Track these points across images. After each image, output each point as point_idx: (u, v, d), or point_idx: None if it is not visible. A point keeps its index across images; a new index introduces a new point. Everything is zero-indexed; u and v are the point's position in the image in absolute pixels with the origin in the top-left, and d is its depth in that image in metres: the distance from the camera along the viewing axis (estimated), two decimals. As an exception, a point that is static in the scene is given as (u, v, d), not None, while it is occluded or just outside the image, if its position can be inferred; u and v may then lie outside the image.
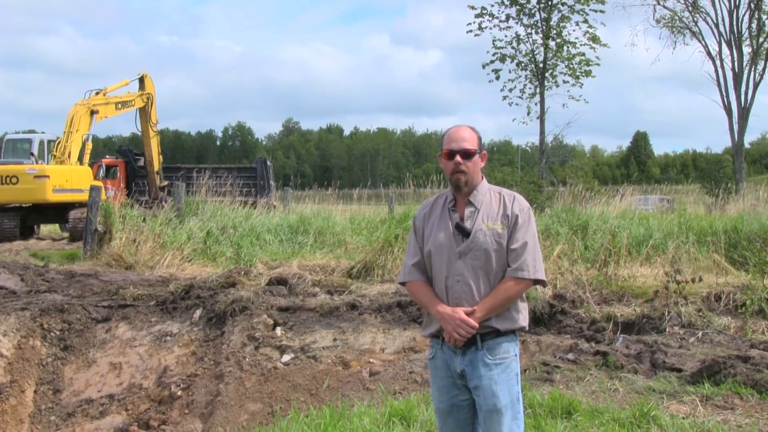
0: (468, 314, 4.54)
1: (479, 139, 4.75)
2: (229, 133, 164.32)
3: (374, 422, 6.90)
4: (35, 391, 9.92)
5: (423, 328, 4.92)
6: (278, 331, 10.00)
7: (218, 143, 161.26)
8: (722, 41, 49.12)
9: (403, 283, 4.93)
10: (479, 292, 4.58)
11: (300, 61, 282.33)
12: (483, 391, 4.57)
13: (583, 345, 9.06)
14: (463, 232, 4.63)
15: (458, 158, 4.65)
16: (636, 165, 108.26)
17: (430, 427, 6.86)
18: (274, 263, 16.77)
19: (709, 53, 49.78)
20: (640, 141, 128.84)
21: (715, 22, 49.21)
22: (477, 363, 4.59)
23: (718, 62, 49.19)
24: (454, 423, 4.77)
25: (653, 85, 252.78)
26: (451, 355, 4.67)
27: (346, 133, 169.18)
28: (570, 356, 8.70)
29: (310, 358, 9.34)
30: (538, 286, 9.57)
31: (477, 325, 4.52)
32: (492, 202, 4.68)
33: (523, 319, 4.69)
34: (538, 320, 10.16)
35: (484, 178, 4.80)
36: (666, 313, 10.15)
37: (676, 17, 50.70)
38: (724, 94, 48.69)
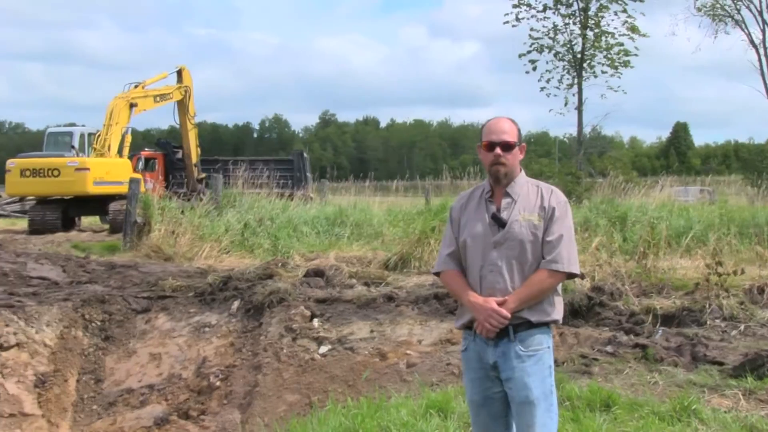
0: (500, 304, 4.52)
1: (519, 131, 4.74)
2: (266, 125, 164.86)
3: (411, 414, 6.91)
4: (78, 381, 10.03)
5: (456, 320, 4.93)
6: (315, 322, 10.04)
7: (255, 135, 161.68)
8: (766, 29, 48.53)
9: (437, 273, 4.94)
10: (513, 282, 4.57)
11: (336, 53, 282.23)
12: (515, 383, 4.56)
13: (621, 337, 9.00)
14: (499, 222, 4.61)
15: (498, 150, 4.64)
16: (676, 156, 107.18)
17: (467, 419, 6.84)
18: (311, 255, 16.82)
19: (752, 41, 49.17)
20: (680, 131, 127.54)
21: (759, 9, 48.60)
22: (509, 354, 4.57)
23: (761, 50, 48.60)
24: (487, 415, 4.76)
25: (694, 75, 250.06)
26: (483, 347, 4.65)
27: (383, 124, 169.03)
28: (609, 349, 8.65)
29: (348, 349, 9.36)
30: (576, 279, 9.53)
31: (509, 315, 4.50)
32: (529, 194, 4.67)
33: (557, 312, 4.67)
34: (576, 312, 10.11)
35: (522, 170, 4.79)
36: (707, 306, 10.06)
37: (718, 5, 50.07)
38: (767, 82, 48.09)
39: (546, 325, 4.64)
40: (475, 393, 4.78)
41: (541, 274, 4.54)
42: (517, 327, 4.56)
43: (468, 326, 4.73)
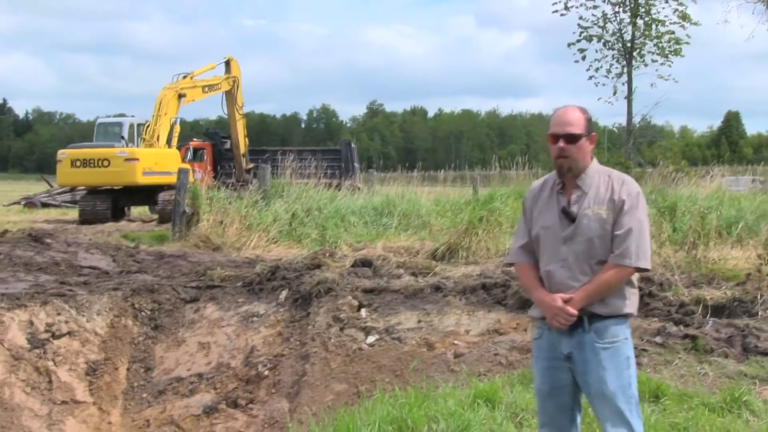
0: (567, 301, 4.47)
1: (587, 120, 4.62)
2: (314, 115, 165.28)
3: (459, 403, 6.89)
4: (128, 369, 10.13)
5: (531, 309, 4.88)
6: (363, 312, 10.05)
7: (303, 126, 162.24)
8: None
9: (510, 264, 4.89)
10: (582, 278, 4.50)
11: (384, 43, 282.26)
12: (591, 376, 4.51)
13: (671, 328, 8.91)
14: (568, 217, 4.55)
15: (561, 143, 4.55)
16: (727, 145, 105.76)
17: (515, 410, 6.83)
18: (359, 245, 16.85)
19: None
20: (732, 120, 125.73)
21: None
22: (585, 346, 4.52)
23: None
24: (553, 406, 4.71)
25: (746, 63, 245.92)
26: (558, 337, 4.59)
27: (430, 114, 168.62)
28: (658, 339, 8.57)
29: (395, 339, 9.36)
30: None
31: (575, 312, 4.45)
32: (600, 186, 4.57)
33: (630, 305, 4.58)
34: (624, 303, 10.02)
35: (594, 160, 4.68)
36: (758, 297, 9.92)
37: (772, -9, 49.28)
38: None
39: (621, 316, 4.56)
40: (544, 383, 4.73)
41: (608, 270, 4.47)
42: (592, 318, 4.51)
43: (543, 317, 4.67)
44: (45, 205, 35.28)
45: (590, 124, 4.64)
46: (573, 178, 4.61)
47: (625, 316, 4.58)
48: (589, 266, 4.51)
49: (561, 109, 4.68)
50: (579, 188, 4.59)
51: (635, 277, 4.63)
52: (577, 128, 4.56)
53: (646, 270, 4.59)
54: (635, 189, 4.57)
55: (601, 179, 4.60)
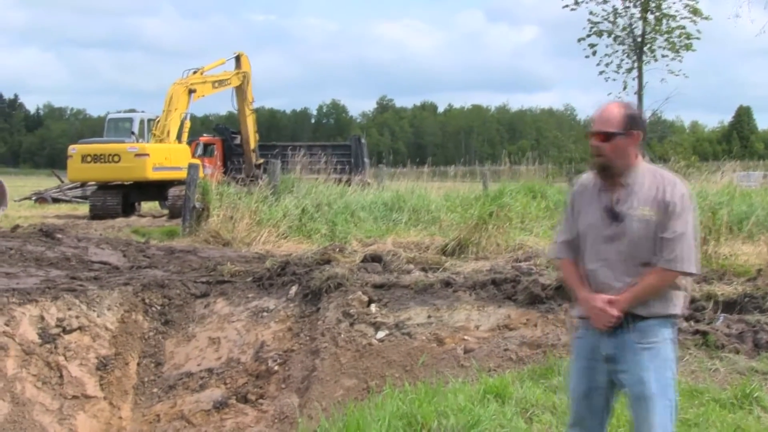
0: (612, 302, 4.42)
1: (628, 117, 4.51)
2: (324, 110, 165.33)
3: (469, 399, 6.90)
4: (138, 364, 10.16)
5: (572, 308, 4.86)
6: (373, 307, 10.05)
7: (313, 121, 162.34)
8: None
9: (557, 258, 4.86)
10: (624, 278, 4.45)
11: (394, 39, 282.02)
12: (631, 377, 4.47)
13: (682, 324, 8.88)
14: (612, 216, 4.49)
15: (595, 141, 4.50)
16: (738, 140, 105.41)
17: (525, 405, 6.83)
18: (369, 240, 16.85)
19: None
20: (743, 116, 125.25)
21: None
22: (626, 347, 4.47)
23: (829, 33, 47.50)
24: (586, 407, 4.68)
25: (758, 58, 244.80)
26: (599, 338, 4.55)
27: (440, 110, 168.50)
28: (668, 335, 8.55)
29: (405, 334, 9.36)
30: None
31: (619, 314, 4.41)
32: (647, 186, 4.48)
33: (675, 306, 4.52)
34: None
35: (641, 158, 4.59)
36: (769, 292, 9.90)
37: (784, -14, 49.00)
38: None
39: (665, 316, 4.50)
40: (581, 383, 4.69)
41: (655, 274, 4.40)
42: (634, 318, 4.45)
43: (586, 317, 4.63)
44: (56, 200, 35.36)
45: (632, 121, 4.52)
46: (613, 176, 4.53)
47: (669, 317, 4.53)
48: (632, 267, 4.45)
49: (603, 105, 4.63)
50: (624, 187, 4.51)
51: (687, 281, 4.57)
52: (612, 126, 4.48)
53: (694, 275, 4.53)
54: (685, 191, 4.48)
55: (649, 179, 4.51)
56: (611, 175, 4.53)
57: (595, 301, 4.48)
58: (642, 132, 4.59)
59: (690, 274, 4.48)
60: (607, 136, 4.49)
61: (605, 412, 4.69)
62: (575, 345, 4.79)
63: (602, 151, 4.50)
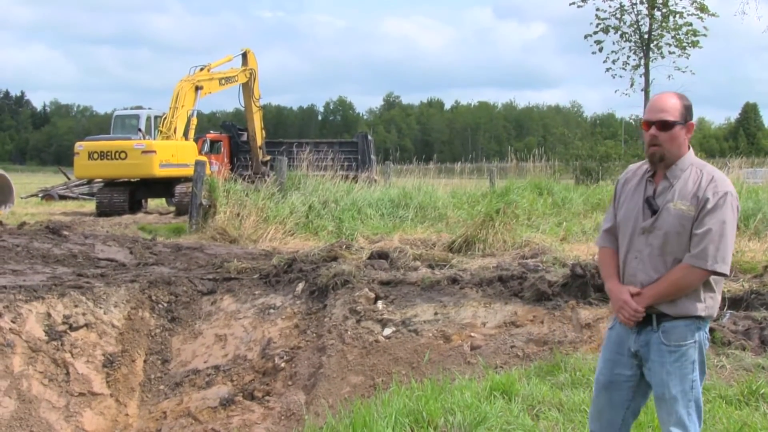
0: (636, 295, 4.38)
1: (685, 108, 4.44)
2: (331, 107, 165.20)
3: (475, 396, 6.88)
4: (145, 361, 10.17)
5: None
6: (379, 304, 10.05)
7: (320, 118, 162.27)
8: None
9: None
10: (656, 272, 4.39)
11: (402, 35, 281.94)
12: (654, 377, 4.44)
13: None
14: (651, 208, 4.42)
15: (653, 130, 4.41)
16: (745, 137, 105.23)
17: (531, 402, 6.82)
18: (376, 237, 16.85)
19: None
20: (750, 112, 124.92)
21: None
22: (651, 346, 4.43)
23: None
24: (606, 400, 4.64)
25: (765, 55, 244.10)
26: (627, 332, 4.51)
27: (447, 107, 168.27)
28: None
29: (411, 331, 9.36)
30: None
31: (641, 309, 4.36)
32: (689, 180, 4.40)
33: (706, 308, 4.41)
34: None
35: (691, 151, 4.51)
36: (776, 289, 9.87)
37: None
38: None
39: (692, 318, 4.41)
40: (603, 374, 4.66)
41: (681, 269, 4.32)
42: (661, 317, 4.40)
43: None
44: (62, 197, 35.39)
45: (688, 112, 4.46)
46: (665, 167, 4.46)
47: (697, 318, 4.43)
48: (663, 262, 4.39)
49: (658, 94, 4.57)
50: (667, 179, 4.44)
51: (720, 282, 4.48)
52: (672, 115, 4.41)
53: (724, 275, 4.39)
54: (724, 188, 4.35)
55: (692, 173, 4.43)
56: (665, 165, 4.46)
57: (620, 293, 4.44)
58: (693, 124, 4.52)
59: (718, 274, 4.35)
60: (665, 125, 4.41)
61: (627, 410, 4.63)
62: (606, 335, 4.74)
63: (660, 140, 4.42)
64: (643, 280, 4.42)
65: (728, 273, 4.40)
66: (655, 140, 4.41)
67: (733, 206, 4.36)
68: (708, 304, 4.43)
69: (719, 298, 4.50)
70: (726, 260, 4.31)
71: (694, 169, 4.45)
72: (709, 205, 4.30)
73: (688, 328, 4.40)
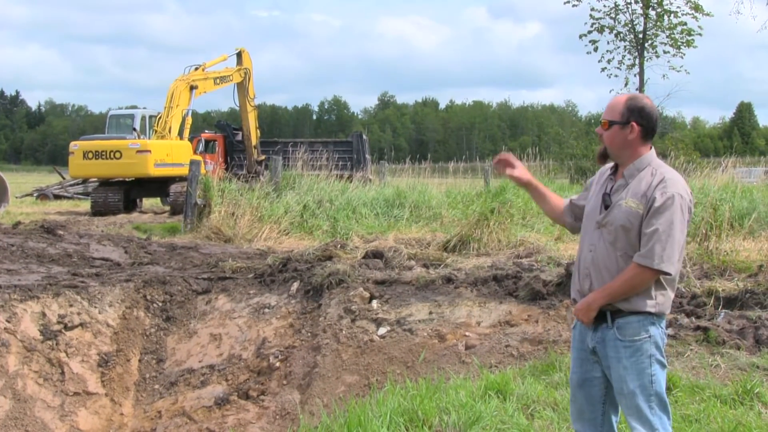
0: (588, 293, 4.55)
1: (629, 109, 4.54)
2: (325, 107, 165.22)
3: (470, 395, 6.90)
4: (140, 360, 10.17)
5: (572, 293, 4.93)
6: (374, 304, 10.06)
7: (314, 117, 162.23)
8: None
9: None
10: (605, 266, 4.51)
11: (398, 35, 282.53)
12: (612, 373, 4.52)
13: (683, 320, 8.89)
14: (605, 203, 4.57)
15: (599, 128, 4.64)
16: (739, 136, 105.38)
17: (526, 401, 6.84)
18: (370, 237, 16.85)
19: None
20: (744, 112, 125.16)
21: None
22: (607, 342, 4.52)
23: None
24: (583, 398, 4.72)
25: (759, 54, 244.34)
26: (585, 329, 4.63)
27: (442, 106, 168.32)
28: (669, 331, 8.54)
29: (406, 331, 9.37)
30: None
31: (593, 310, 4.52)
32: (643, 180, 4.50)
33: (655, 305, 4.48)
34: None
35: (650, 152, 4.60)
36: (770, 289, 9.89)
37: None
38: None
39: (645, 313, 4.49)
40: (575, 373, 4.76)
41: (632, 269, 4.41)
42: (615, 313, 4.49)
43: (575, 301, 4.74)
44: (57, 196, 35.36)
45: (633, 114, 4.54)
46: (616, 166, 4.65)
47: (649, 314, 4.50)
48: (614, 258, 4.50)
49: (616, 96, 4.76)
50: (624, 178, 4.58)
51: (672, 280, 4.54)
52: (610, 114, 4.58)
53: (668, 274, 4.44)
54: (673, 190, 4.42)
55: (647, 173, 4.53)
56: (617, 163, 4.64)
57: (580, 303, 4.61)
58: (644, 125, 4.56)
59: (664, 273, 4.42)
60: (605, 124, 4.60)
61: (606, 405, 4.69)
62: (572, 334, 4.85)
63: (603, 137, 4.62)
64: (594, 271, 4.57)
65: (673, 273, 4.45)
66: (599, 136, 4.64)
67: (682, 208, 4.43)
68: (659, 301, 4.50)
69: (672, 295, 4.57)
70: (672, 260, 4.39)
71: (650, 169, 4.55)
72: (656, 205, 4.40)
73: (641, 324, 4.49)
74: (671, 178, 4.48)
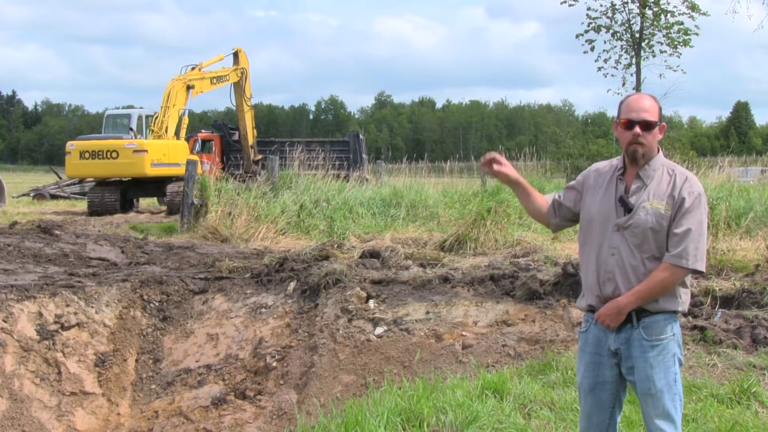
0: (617, 298, 4.48)
1: (660, 109, 4.58)
2: (322, 106, 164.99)
3: (467, 395, 6.90)
4: (136, 360, 10.16)
5: (578, 300, 4.86)
6: (371, 303, 10.05)
7: (311, 117, 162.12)
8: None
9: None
10: (632, 269, 4.46)
11: (395, 34, 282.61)
12: (638, 374, 4.49)
13: (680, 319, 8.88)
14: (625, 206, 4.50)
15: (637, 129, 4.50)
16: (736, 136, 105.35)
17: (523, 401, 6.84)
18: (367, 236, 16.83)
19: (815, 19, 47.93)
20: (741, 111, 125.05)
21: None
22: (633, 343, 4.49)
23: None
24: (593, 402, 4.68)
25: (755, 54, 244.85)
26: (604, 332, 4.57)
27: (439, 106, 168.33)
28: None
29: (403, 330, 9.37)
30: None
31: (624, 314, 4.47)
32: (662, 180, 4.51)
33: (681, 303, 4.54)
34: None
35: (660, 152, 4.63)
36: (767, 288, 9.89)
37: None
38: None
39: (670, 312, 4.52)
40: (586, 378, 4.69)
41: (664, 270, 4.41)
42: (640, 313, 4.47)
43: (590, 309, 4.65)
44: (54, 196, 35.32)
45: (662, 114, 4.62)
46: (640, 167, 4.56)
47: (675, 313, 4.55)
48: (641, 259, 4.46)
49: (635, 95, 4.67)
50: (640, 178, 4.54)
51: (688, 277, 4.57)
52: (653, 116, 4.53)
53: (701, 273, 4.53)
54: (698, 188, 4.49)
55: (664, 173, 4.54)
56: (641, 165, 4.57)
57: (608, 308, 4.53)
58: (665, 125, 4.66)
59: (697, 272, 4.48)
60: (648, 125, 4.52)
61: (615, 407, 4.68)
62: (581, 339, 4.78)
63: (644, 139, 4.52)
64: (620, 274, 4.49)
65: (704, 271, 4.54)
66: (638, 139, 4.51)
67: (705, 206, 4.52)
68: (683, 299, 4.56)
69: (690, 293, 4.64)
70: (703, 258, 4.46)
71: (665, 169, 4.56)
72: (686, 205, 4.42)
73: (666, 322, 4.51)
74: (692, 177, 4.53)
